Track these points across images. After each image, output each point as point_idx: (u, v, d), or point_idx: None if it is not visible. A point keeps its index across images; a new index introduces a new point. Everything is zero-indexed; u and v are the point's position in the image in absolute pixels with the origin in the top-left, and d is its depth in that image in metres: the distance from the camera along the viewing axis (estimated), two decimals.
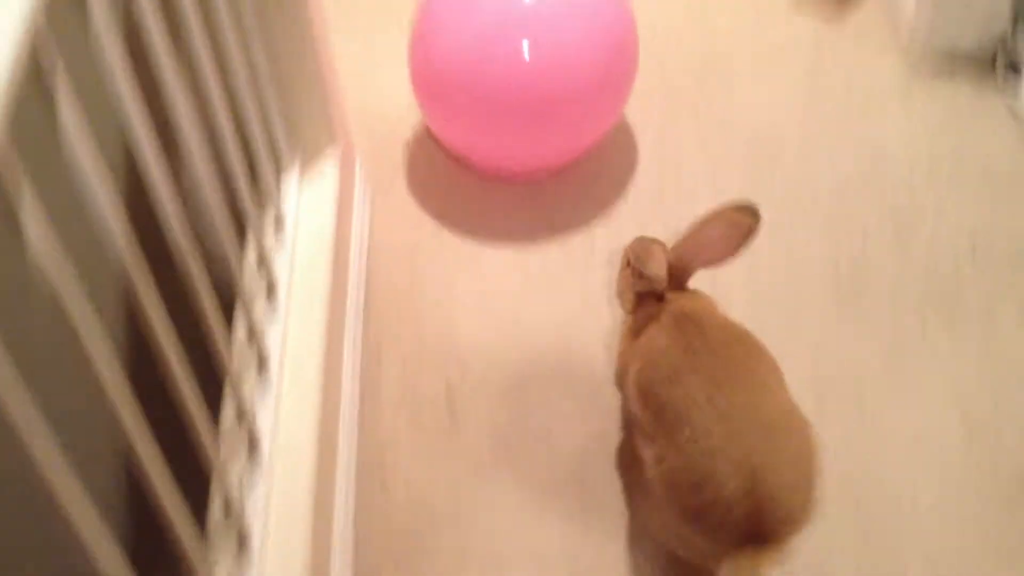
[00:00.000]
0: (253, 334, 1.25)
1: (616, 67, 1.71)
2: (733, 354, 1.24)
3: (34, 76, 0.72)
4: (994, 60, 2.02)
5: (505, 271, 1.73)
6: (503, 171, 1.84)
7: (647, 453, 1.25)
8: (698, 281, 1.40)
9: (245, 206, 1.29)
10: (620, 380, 1.41)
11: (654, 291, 1.38)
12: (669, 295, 1.37)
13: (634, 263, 1.38)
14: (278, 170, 1.53)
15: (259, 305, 1.32)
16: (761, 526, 1.13)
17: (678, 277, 1.39)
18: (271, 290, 1.35)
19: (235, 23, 1.31)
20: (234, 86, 1.31)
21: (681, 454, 1.17)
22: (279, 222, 1.46)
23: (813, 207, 1.81)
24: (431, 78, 1.73)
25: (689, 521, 1.17)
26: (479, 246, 1.78)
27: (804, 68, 2.06)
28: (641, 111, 1.97)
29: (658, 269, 1.35)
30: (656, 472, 1.21)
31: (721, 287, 1.50)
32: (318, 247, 1.48)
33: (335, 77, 1.64)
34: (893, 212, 1.79)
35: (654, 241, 1.41)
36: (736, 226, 1.32)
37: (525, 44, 1.63)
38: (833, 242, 1.75)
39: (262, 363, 1.26)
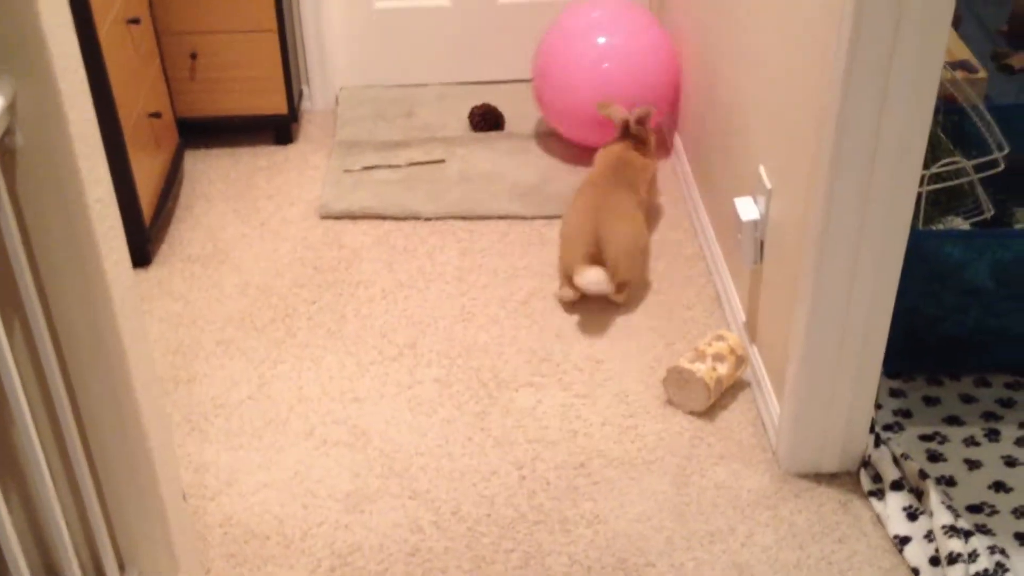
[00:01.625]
0: None
1: (663, 78, 2.92)
2: (621, 180, 2.56)
3: None
4: (859, 474, 2.06)
5: None
6: (587, 141, 2.97)
7: None
8: None
9: None
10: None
11: (623, 128, 2.70)
12: (628, 141, 2.68)
13: (600, 111, 2.72)
14: None
15: None
16: (599, 256, 2.41)
17: (633, 133, 2.69)
18: None
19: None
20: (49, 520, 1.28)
21: (574, 210, 2.51)
22: None
23: None
24: (547, 89, 2.97)
25: (564, 246, 2.49)
26: None
27: (674, 473, 2.07)
28: (513, 507, 1.95)
29: (616, 113, 2.69)
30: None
31: None
32: None
33: (178, 501, 1.61)
34: None
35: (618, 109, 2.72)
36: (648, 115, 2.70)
37: (605, 67, 2.88)
38: None
39: None
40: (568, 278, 2.45)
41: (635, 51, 2.87)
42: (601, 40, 2.88)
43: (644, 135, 2.69)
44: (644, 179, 2.65)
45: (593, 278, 2.37)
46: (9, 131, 1.20)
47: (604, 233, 2.41)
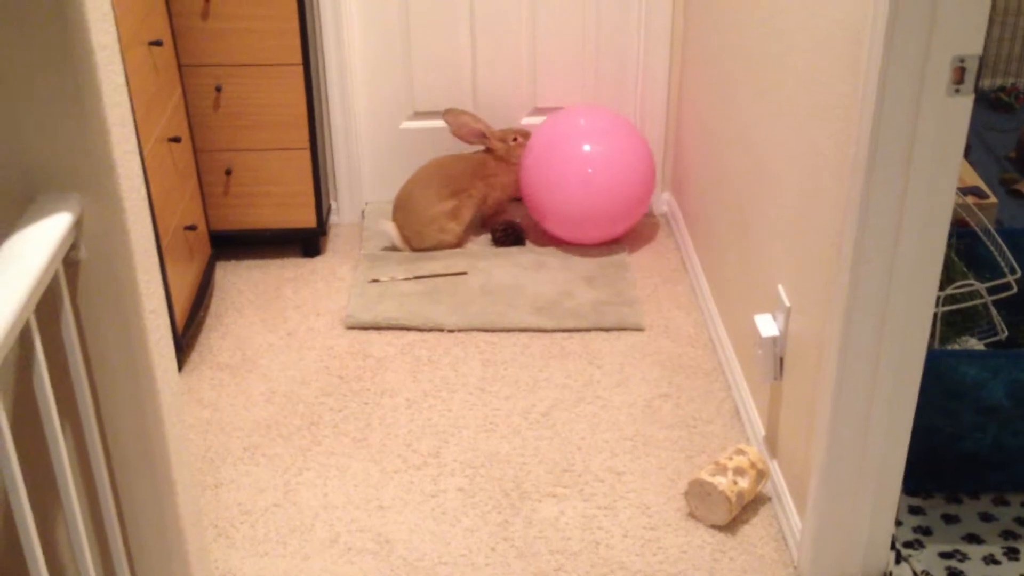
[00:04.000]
0: None
1: (638, 182, 3.18)
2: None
3: None
4: None
5: None
6: (574, 240, 3.25)
7: None
8: None
9: None
10: None
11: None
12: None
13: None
14: None
15: None
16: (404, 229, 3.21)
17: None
18: None
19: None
20: None
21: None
22: None
23: None
24: (535, 195, 3.21)
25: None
26: None
27: None
28: None
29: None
30: None
31: None
32: None
33: None
34: None
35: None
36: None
37: (590, 172, 3.13)
38: None
39: None
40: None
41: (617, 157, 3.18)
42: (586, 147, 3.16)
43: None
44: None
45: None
46: (74, 245, 1.27)
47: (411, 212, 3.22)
